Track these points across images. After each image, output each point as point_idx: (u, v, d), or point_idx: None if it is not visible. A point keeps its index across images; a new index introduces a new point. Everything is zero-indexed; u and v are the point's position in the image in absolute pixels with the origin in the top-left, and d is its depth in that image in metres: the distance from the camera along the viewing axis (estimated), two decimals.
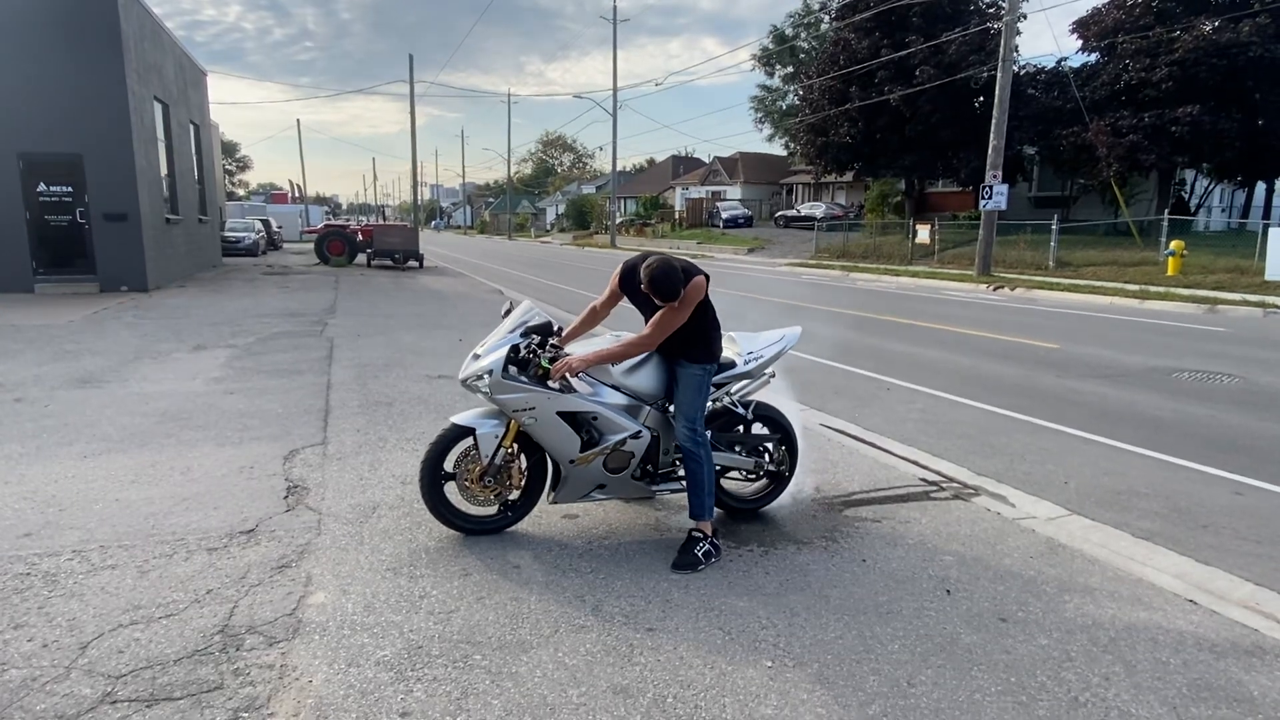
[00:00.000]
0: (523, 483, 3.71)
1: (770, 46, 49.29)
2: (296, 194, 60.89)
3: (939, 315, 13.72)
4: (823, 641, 2.91)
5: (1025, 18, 25.56)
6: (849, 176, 35.10)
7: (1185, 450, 5.70)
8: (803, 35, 48.50)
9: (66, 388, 6.70)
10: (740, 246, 35.42)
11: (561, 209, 74.15)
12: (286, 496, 4.17)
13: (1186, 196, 28.12)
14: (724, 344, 3.96)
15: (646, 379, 3.72)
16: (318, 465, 4.70)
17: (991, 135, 19.24)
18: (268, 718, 2.33)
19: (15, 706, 2.35)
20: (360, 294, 15.48)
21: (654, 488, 3.87)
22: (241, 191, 68.83)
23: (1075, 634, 3.06)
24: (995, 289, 18.42)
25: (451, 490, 3.68)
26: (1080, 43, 22.94)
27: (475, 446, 3.60)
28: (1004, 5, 22.90)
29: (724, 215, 43.44)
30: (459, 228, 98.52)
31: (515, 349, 3.49)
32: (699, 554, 3.51)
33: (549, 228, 74.69)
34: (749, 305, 14.64)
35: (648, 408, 3.73)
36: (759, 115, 54.70)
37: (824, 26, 36.82)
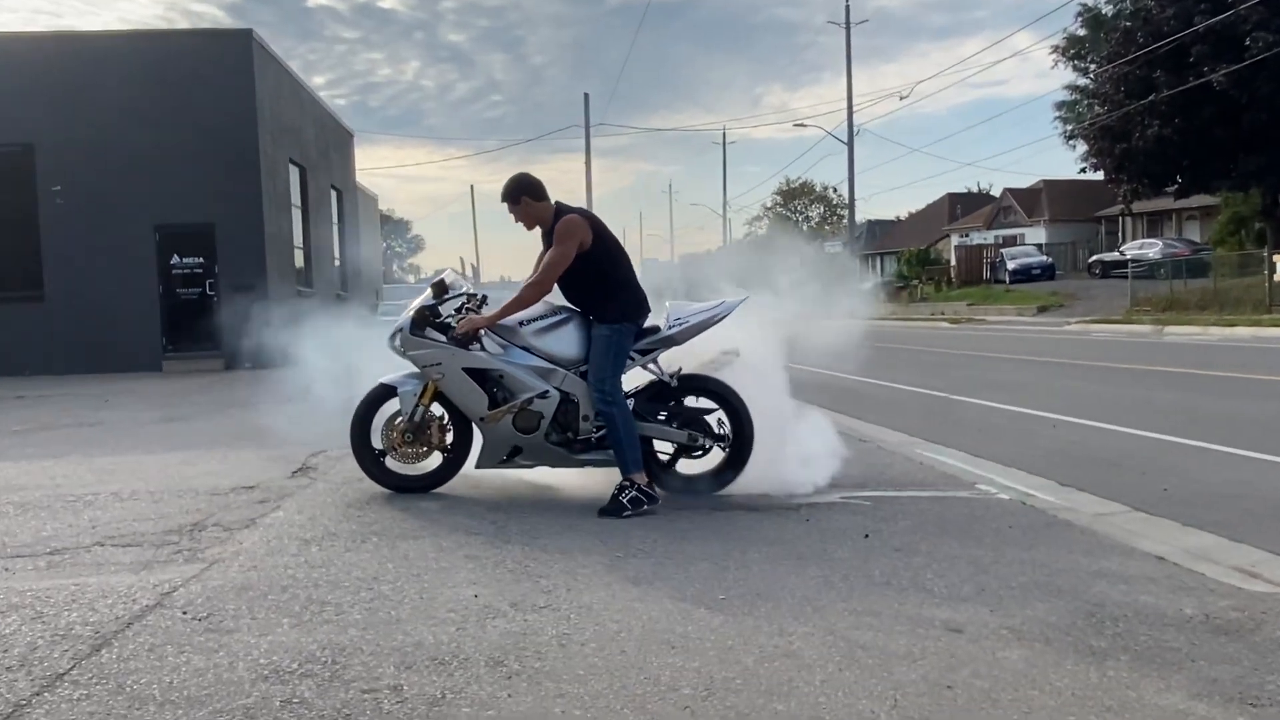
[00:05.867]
0: (445, 440, 5.31)
1: (1080, 33, 48.94)
2: (469, 273, 68.83)
3: (1229, 364, 13.78)
4: (690, 554, 4.24)
5: None
6: (1171, 198, 33.90)
7: None
8: (1125, 11, 47.74)
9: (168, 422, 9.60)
10: (1027, 305, 35.20)
11: None
12: (294, 473, 6.31)
13: None
14: (656, 313, 5.35)
15: (561, 342, 5.15)
16: (337, 459, 6.78)
17: None
18: (200, 554, 4.24)
19: (59, 539, 4.48)
20: None
21: (578, 457, 5.19)
22: (412, 278, 78.96)
23: (921, 542, 4.13)
24: None
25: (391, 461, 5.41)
26: None
27: (399, 406, 5.26)
28: None
29: (1010, 266, 43.20)
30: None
31: (432, 310, 5.15)
32: (624, 500, 4.88)
33: None
34: (948, 361, 15.43)
35: (564, 371, 5.13)
36: (1068, 128, 53.87)
37: None
